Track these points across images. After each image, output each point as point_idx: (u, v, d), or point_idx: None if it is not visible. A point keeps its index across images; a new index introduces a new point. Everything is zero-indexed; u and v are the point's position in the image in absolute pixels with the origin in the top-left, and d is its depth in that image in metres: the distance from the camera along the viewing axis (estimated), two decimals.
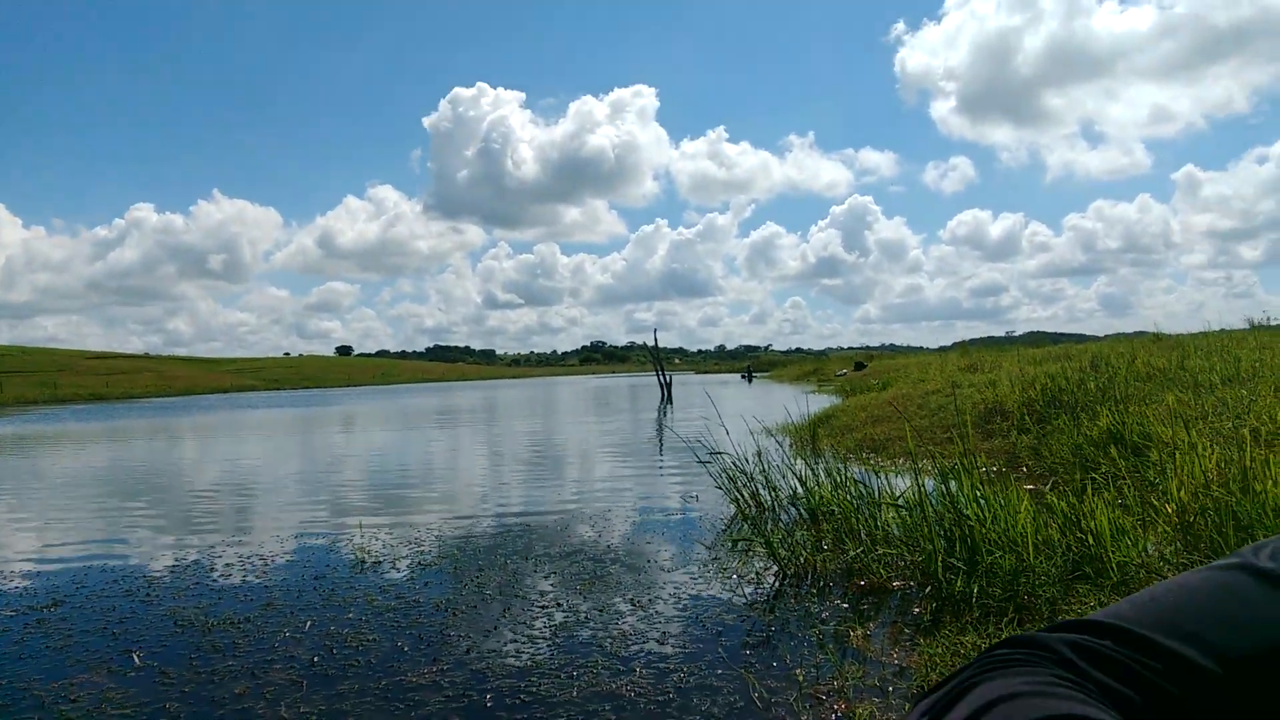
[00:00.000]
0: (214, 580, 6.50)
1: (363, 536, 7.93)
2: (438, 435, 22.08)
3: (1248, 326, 20.54)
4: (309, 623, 5.25)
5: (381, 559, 6.99)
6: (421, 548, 7.37)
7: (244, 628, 5.19)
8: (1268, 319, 21.04)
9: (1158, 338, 18.21)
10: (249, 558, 7.25)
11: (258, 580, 6.45)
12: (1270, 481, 4.87)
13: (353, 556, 7.12)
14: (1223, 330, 19.17)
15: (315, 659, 4.56)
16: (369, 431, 24.76)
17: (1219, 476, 5.42)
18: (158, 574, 6.78)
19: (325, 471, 14.56)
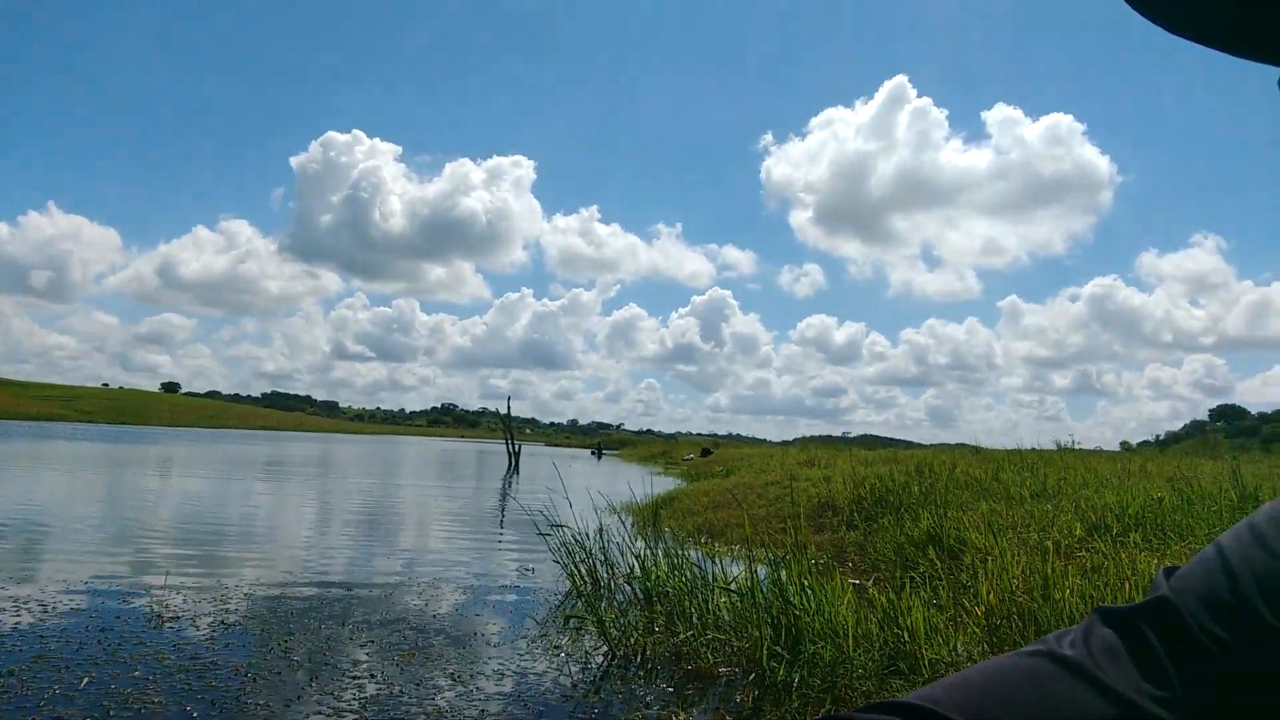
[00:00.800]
0: None
1: (163, 589, 7.27)
2: (262, 488, 20.78)
3: (1055, 448, 22.39)
4: (86, 679, 4.71)
5: (180, 615, 6.41)
6: (227, 606, 6.81)
7: (5, 681, 4.59)
8: (1073, 442, 23.00)
9: (977, 450, 19.57)
10: (25, 602, 6.49)
11: (31, 628, 5.76)
12: (1067, 590, 5.25)
13: (148, 610, 6.49)
14: (1034, 449, 20.79)
15: None
16: (186, 476, 23.02)
17: (1024, 583, 5.79)
18: None
19: (130, 517, 13.37)
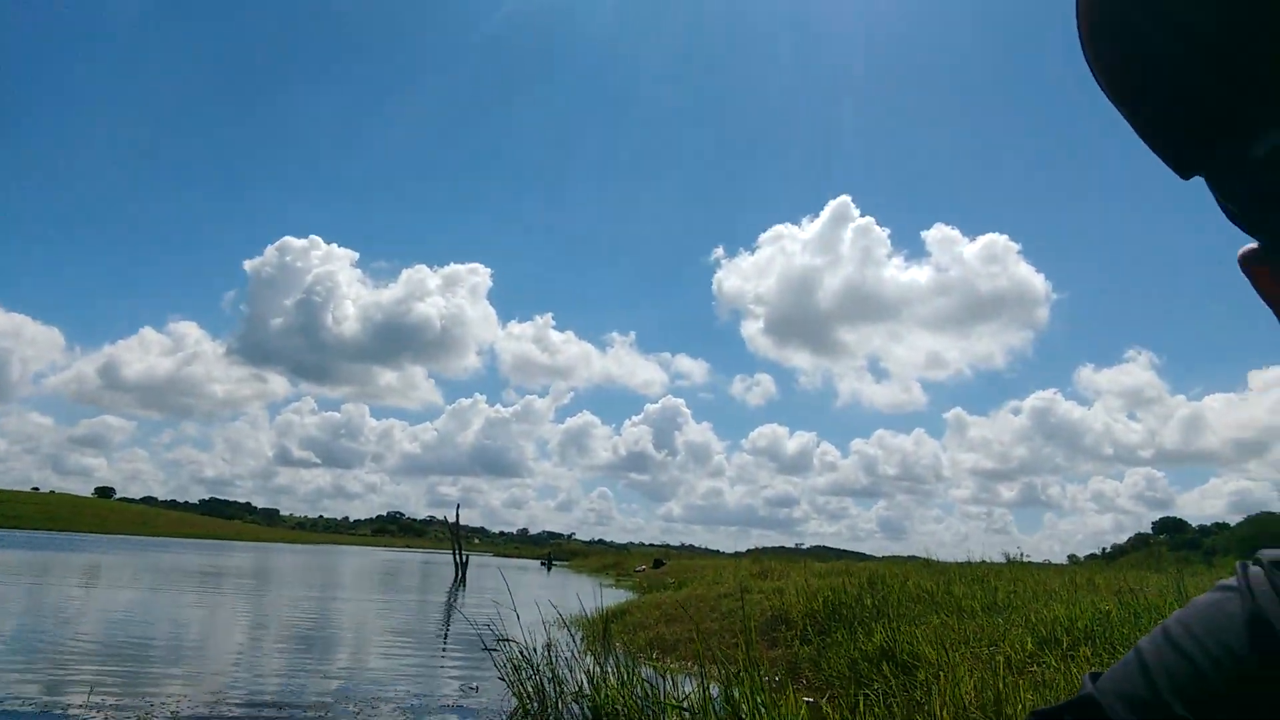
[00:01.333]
0: None
1: (82, 708, 6.84)
2: (192, 600, 19.87)
3: (1005, 560, 22.53)
4: None
5: None
6: None
7: None
8: (1022, 555, 23.19)
9: (928, 563, 19.62)
10: None
11: None
12: (1020, 705, 5.21)
13: None
14: (984, 561, 20.88)
15: None
16: (113, 587, 21.95)
17: (976, 699, 5.75)
18: None
19: (50, 630, 12.65)
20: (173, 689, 8.09)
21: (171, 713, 6.94)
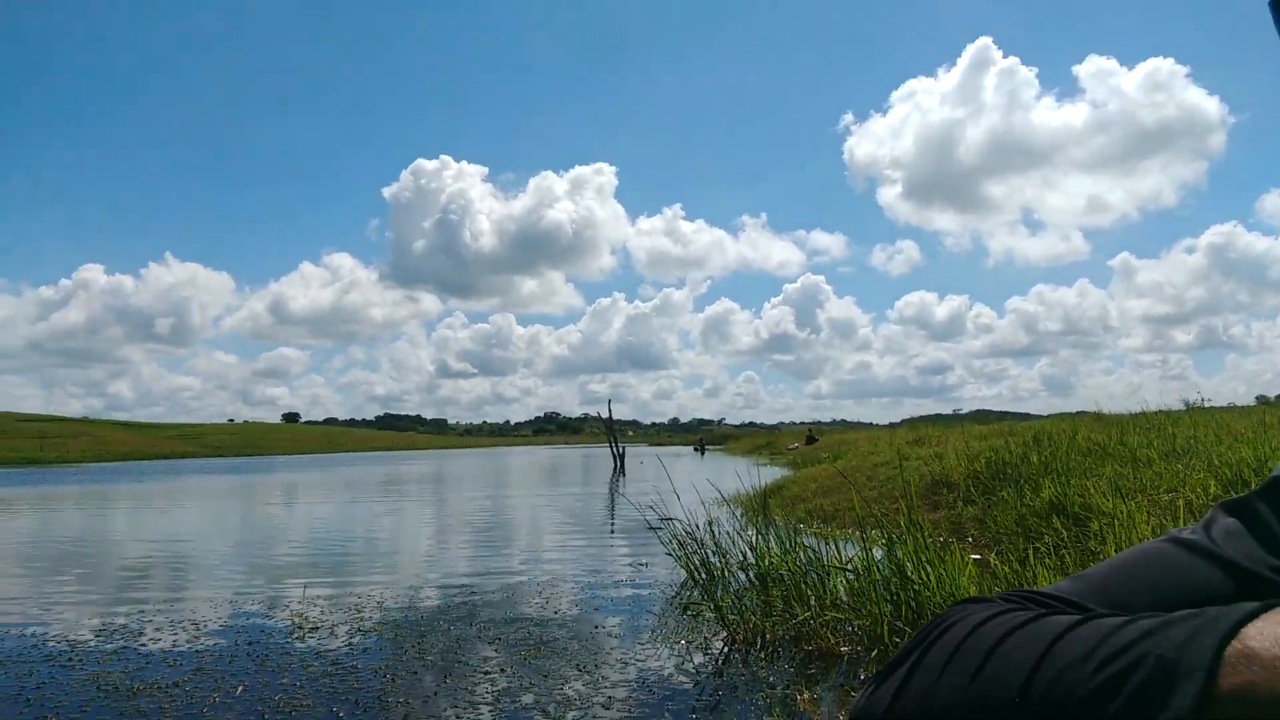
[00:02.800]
0: (142, 645, 6.22)
1: (301, 603, 7.68)
2: (383, 505, 21.61)
3: (1184, 408, 21.16)
4: (240, 687, 5.03)
5: (319, 625, 6.76)
6: (361, 615, 7.15)
7: (172, 693, 4.96)
8: (1202, 400, 21.67)
9: (1098, 416, 18.67)
10: (180, 623, 6.96)
11: (188, 645, 6.19)
12: None
13: (289, 623, 6.88)
14: (1160, 410, 19.71)
15: None
16: (311, 500, 24.15)
17: None
18: (82, 639, 6.47)
19: (263, 540, 14.14)
20: (376, 582, 8.93)
21: (377, 603, 7.68)
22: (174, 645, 6.18)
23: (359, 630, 6.54)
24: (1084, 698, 0.41)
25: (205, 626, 6.81)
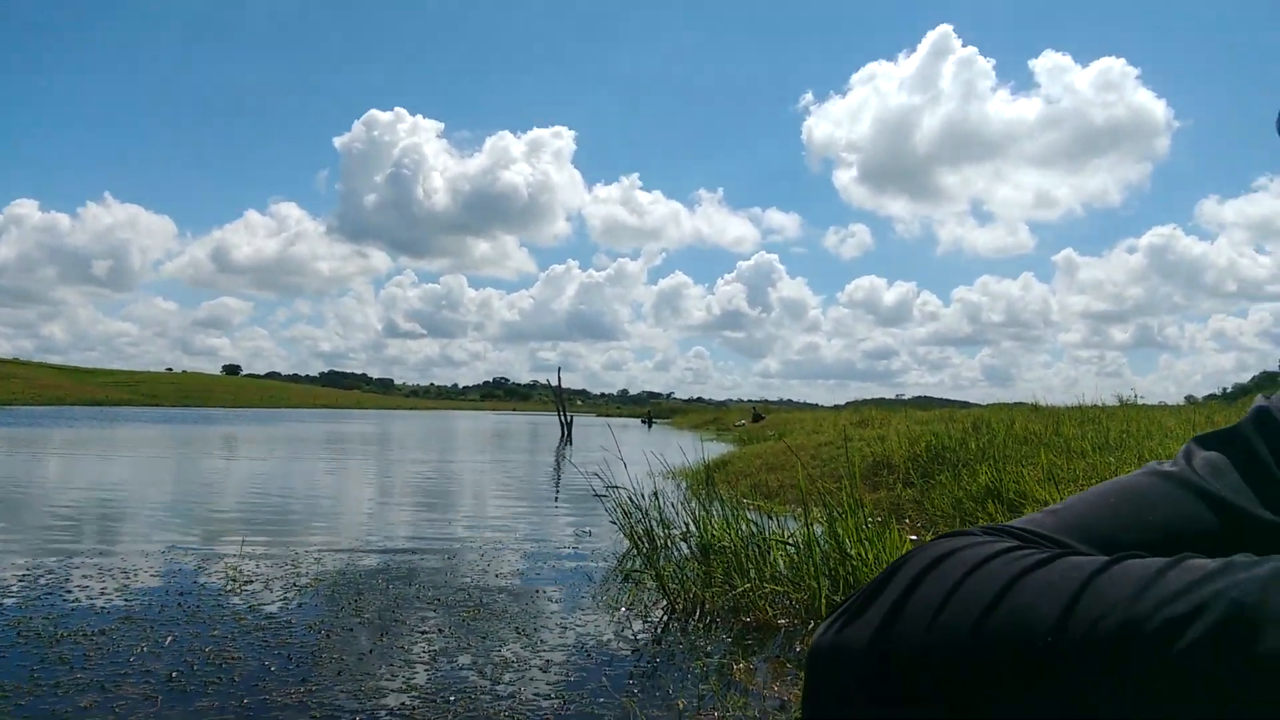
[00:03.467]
0: (67, 592, 6.05)
1: (236, 558, 7.54)
2: (325, 463, 21.32)
3: (1118, 403, 21.78)
4: (169, 638, 4.93)
5: (253, 579, 6.65)
6: (298, 571, 7.05)
7: (97, 640, 4.83)
8: (1136, 397, 22.32)
9: (1036, 408, 19.14)
10: (110, 570, 6.79)
11: (117, 594, 6.04)
12: None
13: (223, 575, 6.75)
14: (1095, 405, 20.25)
15: (173, 674, 4.28)
16: (251, 455, 23.72)
17: None
18: (3, 584, 6.28)
19: (199, 493, 13.86)
20: (314, 538, 8.82)
21: (315, 559, 7.58)
22: (101, 594, 6.03)
23: (294, 586, 6.45)
24: (1143, 635, 0.37)
25: (135, 576, 6.65)
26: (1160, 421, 13.03)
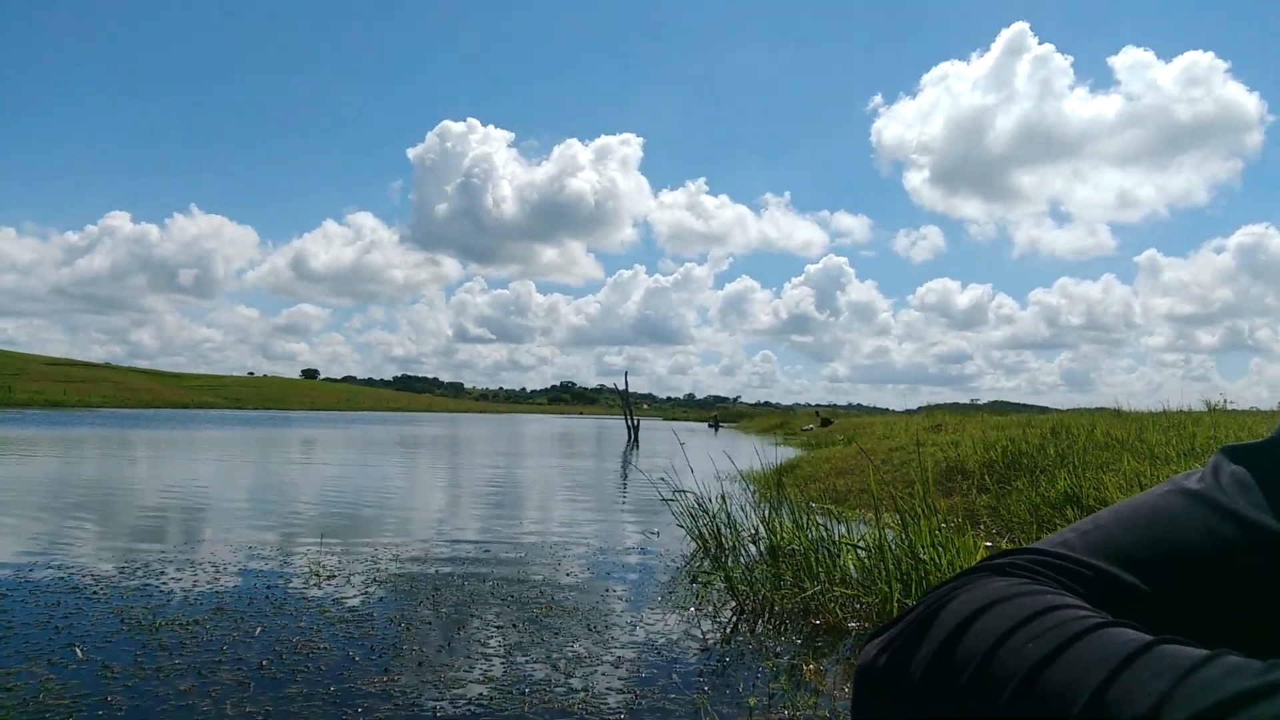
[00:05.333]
0: (163, 583, 6.37)
1: (318, 553, 7.82)
2: (398, 464, 21.85)
3: (1205, 408, 20.93)
4: (259, 628, 5.16)
5: (336, 574, 6.90)
6: (377, 566, 7.28)
7: (192, 629, 5.09)
8: (1225, 402, 21.41)
9: (1118, 413, 18.52)
10: (200, 564, 7.13)
11: (208, 586, 6.34)
12: None
13: (307, 570, 7.02)
14: (1181, 410, 19.48)
15: (264, 662, 4.49)
16: (329, 456, 24.45)
17: None
18: (106, 574, 6.64)
19: (281, 492, 14.36)
20: (391, 536, 9.08)
21: (393, 556, 7.81)
22: (194, 585, 6.33)
23: (374, 581, 6.66)
24: None
25: (224, 570, 6.96)
26: (1251, 427, 12.51)
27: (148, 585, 6.27)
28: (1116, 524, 0.58)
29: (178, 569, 6.90)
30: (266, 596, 6.05)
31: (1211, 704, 0.37)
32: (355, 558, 7.64)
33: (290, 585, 6.46)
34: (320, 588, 6.39)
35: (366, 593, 6.26)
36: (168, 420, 50.24)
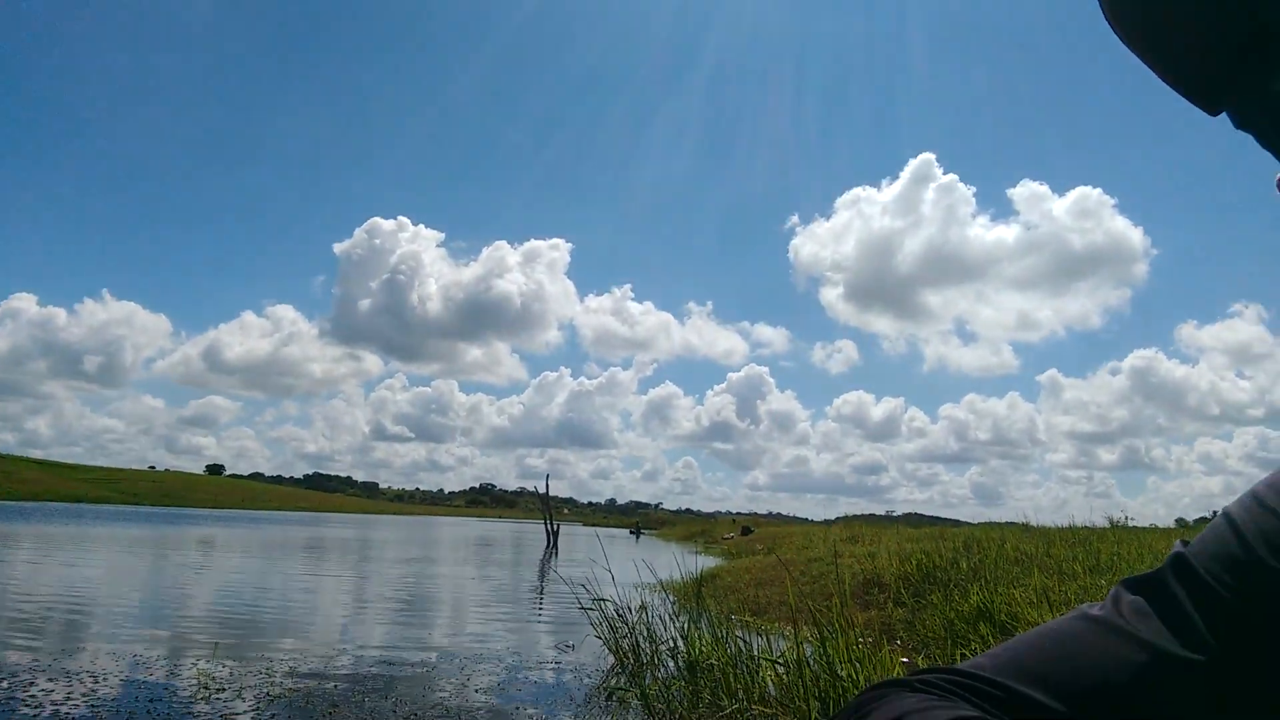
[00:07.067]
0: (30, 694, 5.84)
1: (210, 662, 7.31)
2: (303, 569, 20.86)
3: (1108, 524, 21.67)
4: None
5: (226, 687, 6.44)
6: (272, 679, 6.83)
7: None
8: (1126, 519, 22.26)
9: (1026, 527, 19.02)
10: (77, 674, 6.57)
11: (83, 698, 5.83)
12: None
13: (195, 682, 6.54)
14: (1086, 526, 20.11)
15: None
16: (228, 559, 23.21)
17: None
18: None
19: (173, 595, 13.51)
20: (288, 646, 8.57)
21: (289, 668, 7.36)
22: (67, 698, 5.82)
23: (267, 695, 6.24)
24: None
25: (104, 680, 6.43)
26: (1150, 544, 12.95)
27: (12, 697, 5.73)
28: (1024, 647, 0.61)
29: (50, 679, 6.35)
30: (148, 711, 5.59)
31: None
32: (249, 669, 7.16)
33: (175, 699, 6.00)
34: (209, 702, 5.94)
35: (259, 707, 5.85)
36: (56, 514, 47.17)
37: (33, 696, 5.83)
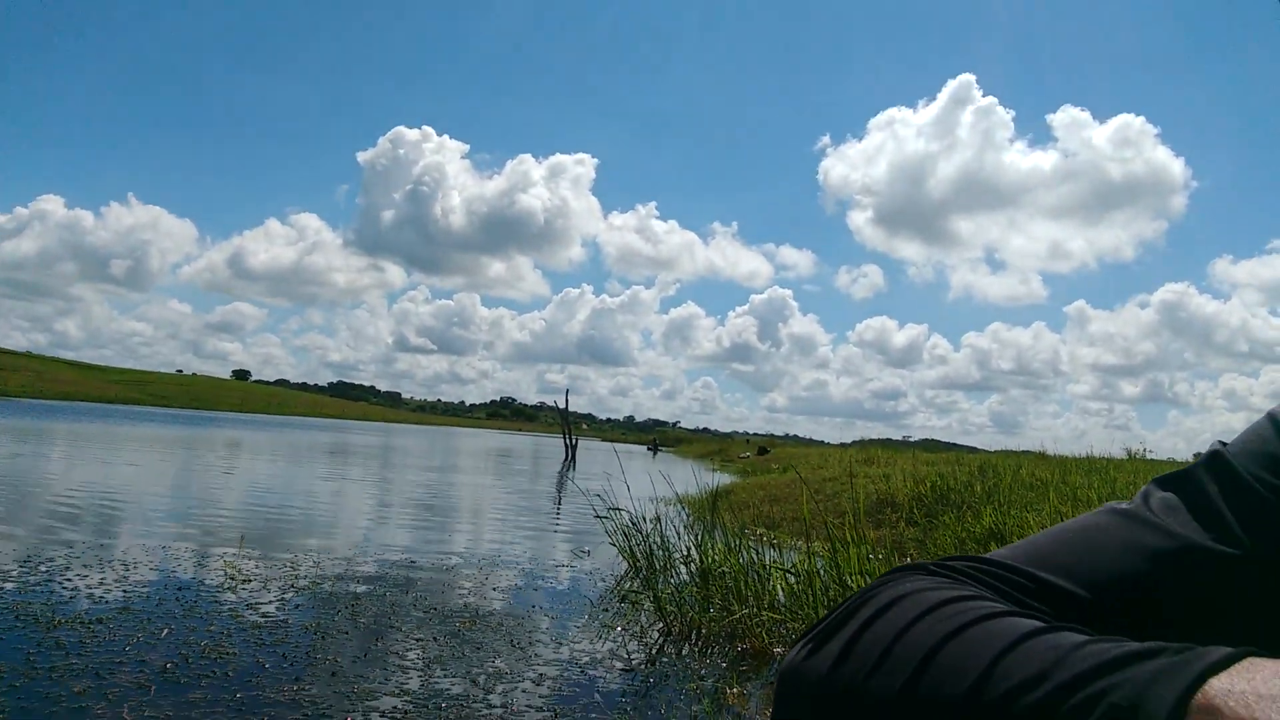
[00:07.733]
0: (67, 579, 6.06)
1: (235, 556, 7.55)
2: (327, 472, 21.33)
3: (1126, 456, 21.63)
4: (166, 630, 4.93)
5: (252, 579, 6.65)
6: (296, 573, 7.05)
7: (94, 629, 4.84)
8: (1144, 451, 22.20)
9: (1043, 455, 19.04)
10: (108, 563, 6.80)
11: (116, 584, 6.05)
12: None
13: (221, 574, 6.75)
14: (1103, 456, 20.08)
15: (168, 665, 4.28)
16: (254, 461, 23.76)
17: None
18: (3, 568, 6.29)
19: (201, 494, 13.89)
20: (314, 543, 8.82)
21: (314, 563, 7.58)
22: (100, 584, 6.04)
23: (292, 588, 6.44)
24: None
25: (134, 569, 6.66)
26: None
27: (49, 582, 5.96)
28: (1050, 540, 0.61)
29: (85, 566, 6.58)
30: (177, 599, 5.80)
31: (1094, 665, 0.40)
32: (274, 564, 7.39)
33: (203, 588, 6.21)
34: (235, 592, 6.15)
35: (283, 600, 6.05)
36: (87, 414, 48.37)
37: (69, 580, 6.05)
